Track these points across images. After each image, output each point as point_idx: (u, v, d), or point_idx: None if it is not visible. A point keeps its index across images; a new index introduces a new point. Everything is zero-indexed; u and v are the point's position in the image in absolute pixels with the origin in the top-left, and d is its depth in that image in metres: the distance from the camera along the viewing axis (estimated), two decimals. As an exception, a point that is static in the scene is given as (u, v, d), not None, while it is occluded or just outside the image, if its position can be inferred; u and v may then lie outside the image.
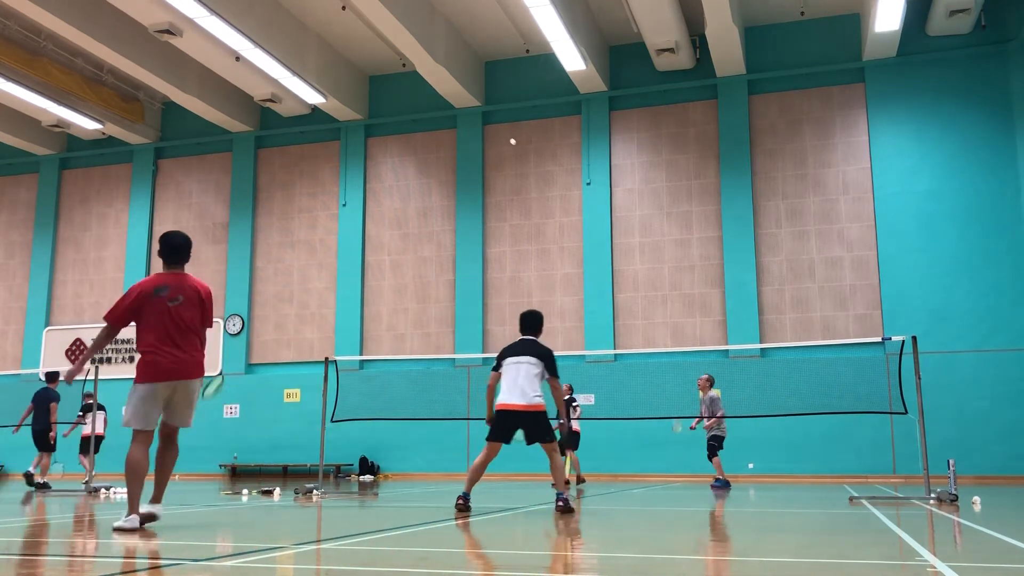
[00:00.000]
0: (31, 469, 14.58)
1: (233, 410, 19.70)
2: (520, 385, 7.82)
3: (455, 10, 17.45)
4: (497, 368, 8.09)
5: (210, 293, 6.77)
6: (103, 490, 12.52)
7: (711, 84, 18.07)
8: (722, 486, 12.77)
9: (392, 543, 5.45)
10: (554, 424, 8.31)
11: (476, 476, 7.99)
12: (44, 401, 14.54)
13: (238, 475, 19.11)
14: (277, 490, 11.87)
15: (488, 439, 7.95)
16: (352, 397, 14.64)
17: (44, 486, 14.06)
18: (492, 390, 8.10)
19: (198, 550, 5.28)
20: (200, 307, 6.58)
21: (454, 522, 7.02)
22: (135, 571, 4.26)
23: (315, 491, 11.20)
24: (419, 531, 6.27)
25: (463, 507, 7.71)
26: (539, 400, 7.83)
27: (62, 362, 20.95)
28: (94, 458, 13.79)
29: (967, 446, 15.22)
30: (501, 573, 4.14)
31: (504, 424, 7.88)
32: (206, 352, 6.80)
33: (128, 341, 20.78)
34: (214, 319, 20.37)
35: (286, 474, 18.93)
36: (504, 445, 7.96)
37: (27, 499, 11.09)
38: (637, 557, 4.90)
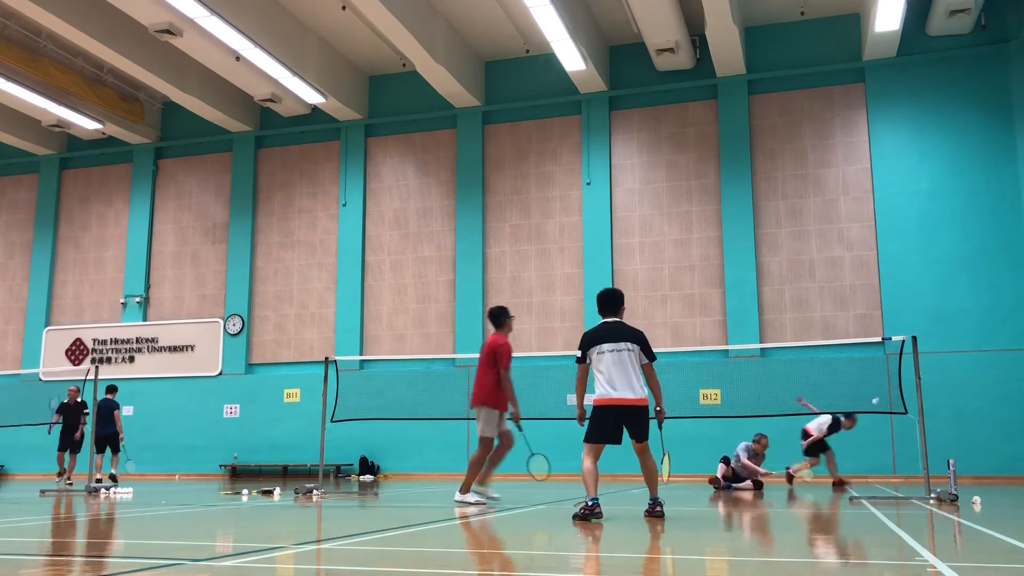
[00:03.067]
0: (113, 470, 15.55)
1: (233, 410, 19.70)
2: (627, 376, 7.06)
3: (455, 10, 17.45)
4: (583, 359, 7.27)
5: (493, 345, 9.32)
6: (103, 490, 12.53)
7: (711, 84, 18.07)
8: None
9: (392, 543, 5.45)
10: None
11: (594, 479, 7.07)
12: (107, 410, 15.59)
13: (238, 475, 19.11)
14: (277, 490, 11.87)
15: (589, 440, 7.12)
16: (352, 397, 14.64)
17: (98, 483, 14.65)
18: (582, 385, 7.30)
19: (198, 550, 5.28)
20: (485, 356, 9.36)
21: (454, 522, 7.02)
22: (135, 571, 4.26)
23: (315, 491, 11.20)
24: (419, 531, 6.27)
25: (599, 514, 6.84)
26: (644, 392, 7.12)
27: (62, 362, 20.96)
28: (100, 458, 13.89)
29: (967, 446, 15.21)
30: (501, 573, 4.14)
31: (610, 421, 7.05)
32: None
33: (127, 341, 20.79)
34: (218, 320, 20.35)
35: (286, 474, 18.93)
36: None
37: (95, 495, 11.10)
38: (637, 557, 4.90)
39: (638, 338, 7.25)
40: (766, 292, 17.20)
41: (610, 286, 17.44)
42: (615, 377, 7.07)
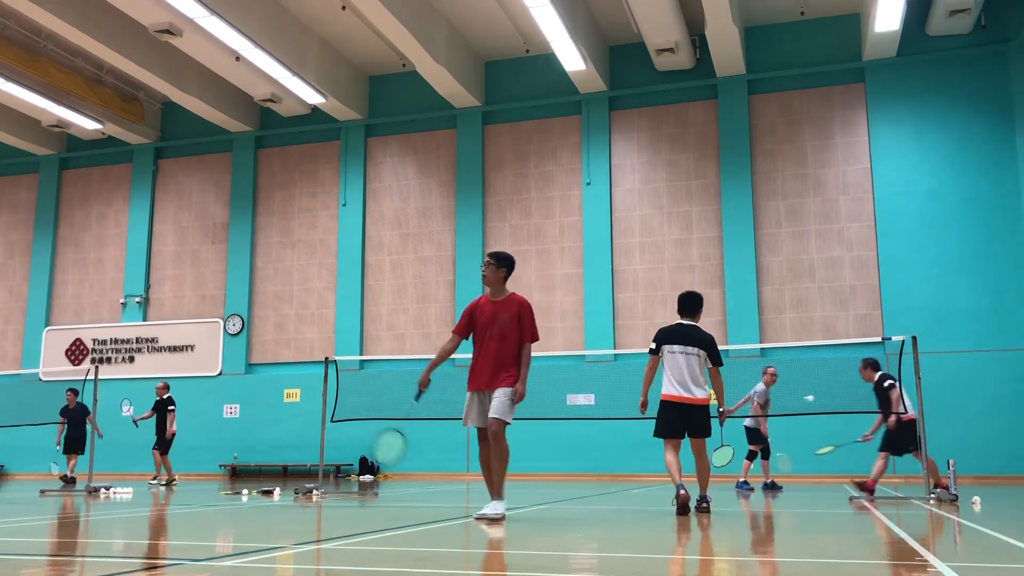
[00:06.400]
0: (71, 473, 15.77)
1: (233, 410, 19.70)
2: (688, 377, 7.57)
3: (455, 10, 17.45)
4: (656, 352, 7.77)
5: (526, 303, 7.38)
6: (103, 490, 12.52)
7: (711, 84, 18.07)
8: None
9: (392, 543, 5.45)
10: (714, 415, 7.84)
11: (676, 469, 7.54)
12: (81, 414, 15.83)
13: (238, 475, 19.11)
14: (277, 490, 11.88)
15: (658, 435, 7.65)
16: (352, 397, 14.64)
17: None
18: (651, 375, 7.75)
19: (198, 550, 5.28)
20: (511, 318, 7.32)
21: (454, 522, 7.02)
22: (135, 571, 4.26)
23: (315, 491, 11.20)
24: (419, 531, 6.27)
25: (690, 507, 7.34)
26: (706, 394, 7.65)
27: (62, 362, 20.95)
28: (92, 458, 13.81)
29: (967, 446, 15.20)
30: (501, 573, 4.14)
31: (675, 416, 7.58)
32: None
33: (127, 341, 20.78)
34: (218, 320, 20.27)
35: (286, 474, 18.93)
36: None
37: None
38: (637, 557, 4.90)
39: (707, 343, 7.73)
40: (766, 292, 17.21)
41: (609, 300, 17.61)
42: (682, 377, 7.59)
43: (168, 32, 15.97)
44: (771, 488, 12.50)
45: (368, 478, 17.97)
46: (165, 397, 15.80)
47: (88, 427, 15.62)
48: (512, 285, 20.50)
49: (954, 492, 9.21)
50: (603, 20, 17.79)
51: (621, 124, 18.63)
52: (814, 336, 16.72)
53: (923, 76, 17.05)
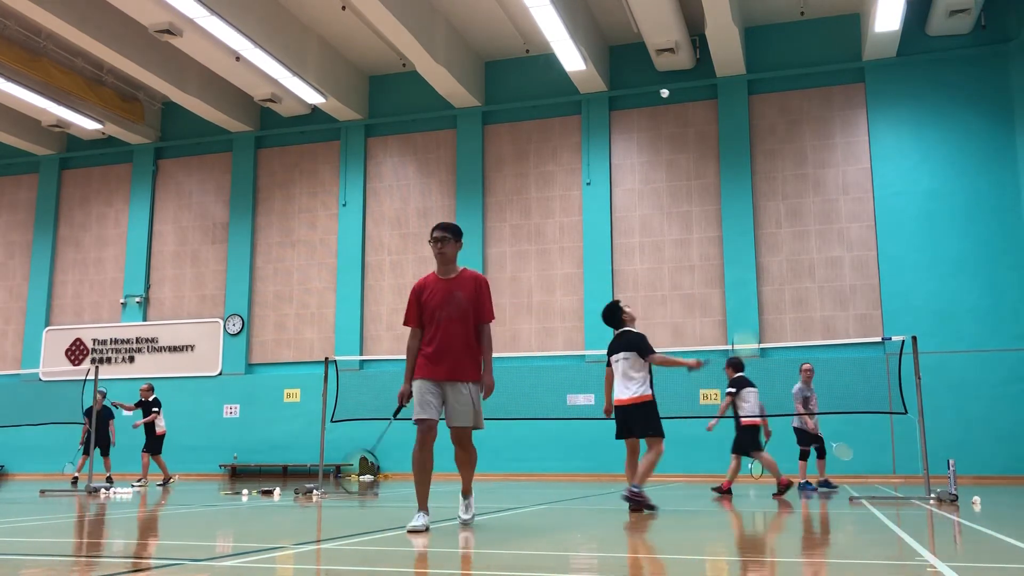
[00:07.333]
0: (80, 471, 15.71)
1: (233, 410, 19.70)
2: (623, 380, 8.11)
3: (455, 10, 17.45)
4: (608, 364, 8.40)
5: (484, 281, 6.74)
6: (102, 490, 12.53)
7: (711, 84, 18.07)
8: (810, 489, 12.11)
9: (392, 543, 5.45)
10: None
11: (634, 471, 8.16)
12: (107, 415, 16.03)
13: (238, 475, 19.11)
14: (277, 490, 11.88)
15: (617, 437, 8.24)
16: (352, 397, 14.64)
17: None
18: (608, 384, 8.35)
19: (198, 550, 5.28)
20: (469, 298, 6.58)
21: (452, 522, 7.02)
22: (135, 571, 4.26)
23: (315, 491, 11.20)
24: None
25: (624, 498, 7.98)
26: (642, 391, 8.04)
27: (62, 362, 20.95)
28: (93, 458, 13.82)
29: (967, 446, 15.21)
30: (501, 573, 4.14)
31: (618, 419, 8.16)
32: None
33: (127, 341, 20.77)
34: (218, 320, 20.31)
35: (286, 474, 18.93)
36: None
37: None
38: (637, 557, 4.90)
39: (633, 344, 8.16)
40: (766, 292, 17.21)
41: (610, 300, 17.53)
42: (619, 381, 8.18)
43: (168, 32, 15.96)
44: (826, 487, 12.14)
45: (368, 478, 17.97)
46: (150, 399, 15.63)
47: (108, 429, 15.79)
48: (512, 284, 20.38)
49: (954, 492, 9.21)
50: (603, 20, 17.79)
51: (621, 124, 18.63)
52: (814, 336, 16.72)
53: (923, 76, 17.05)
